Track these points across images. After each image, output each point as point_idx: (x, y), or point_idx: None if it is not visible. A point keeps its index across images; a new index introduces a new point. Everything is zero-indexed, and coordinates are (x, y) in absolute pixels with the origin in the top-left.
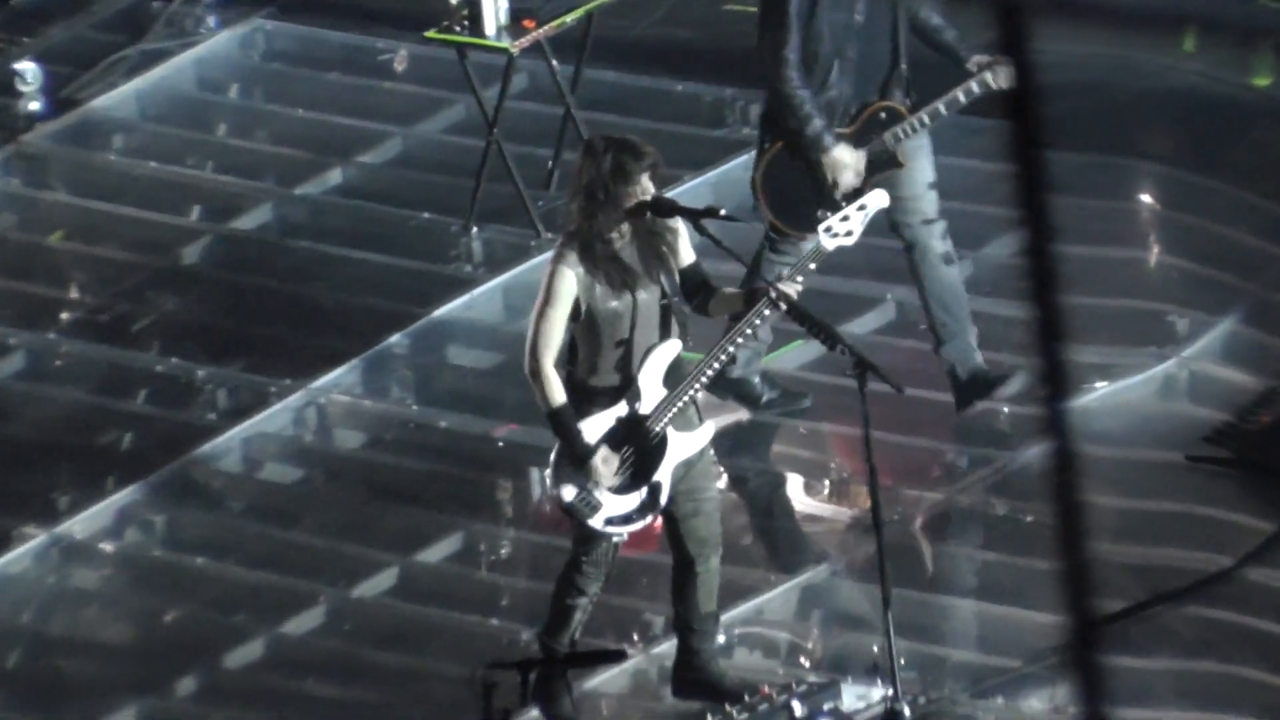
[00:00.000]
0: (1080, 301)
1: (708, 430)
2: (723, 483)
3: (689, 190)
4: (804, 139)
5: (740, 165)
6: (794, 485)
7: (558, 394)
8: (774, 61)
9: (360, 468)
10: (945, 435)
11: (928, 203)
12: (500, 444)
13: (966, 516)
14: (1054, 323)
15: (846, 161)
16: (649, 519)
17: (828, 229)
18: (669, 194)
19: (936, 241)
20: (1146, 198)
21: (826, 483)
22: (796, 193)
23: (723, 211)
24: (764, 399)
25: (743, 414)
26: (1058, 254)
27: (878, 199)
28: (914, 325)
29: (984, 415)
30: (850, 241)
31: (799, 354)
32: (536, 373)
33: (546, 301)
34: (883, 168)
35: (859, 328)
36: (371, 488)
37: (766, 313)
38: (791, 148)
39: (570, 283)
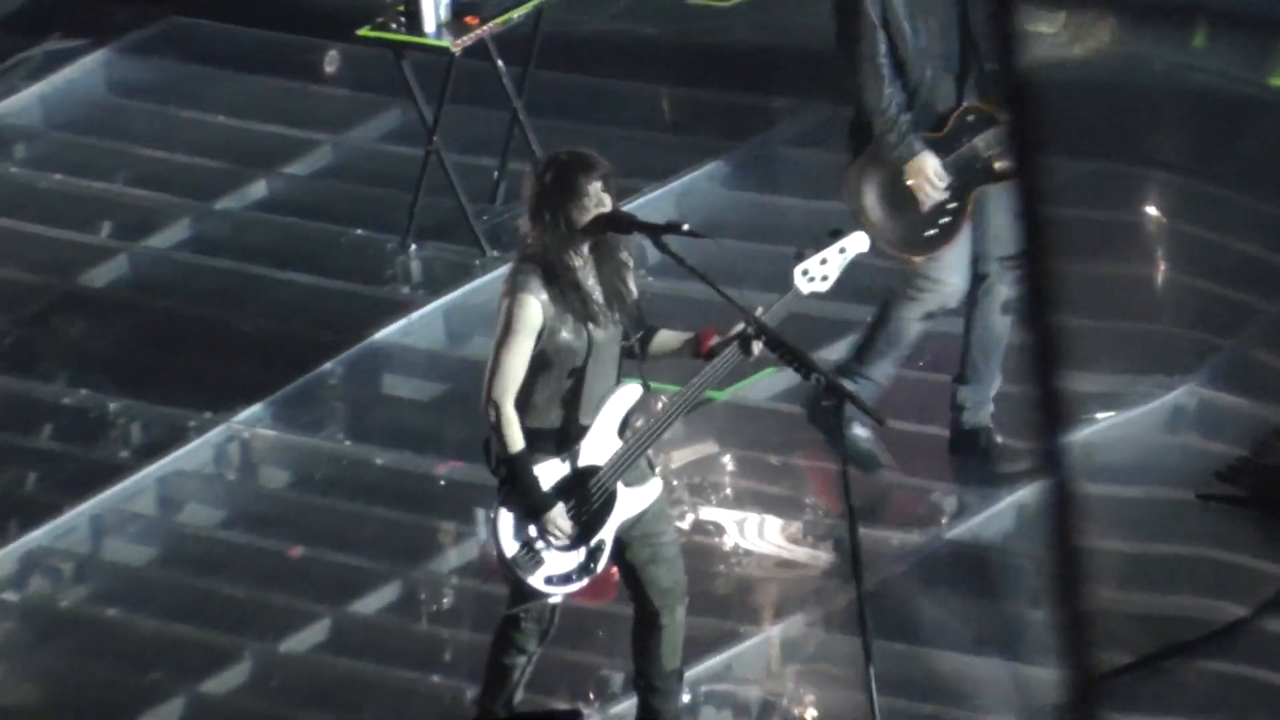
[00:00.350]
0: (1080, 323)
1: (656, 485)
2: (686, 524)
3: (650, 203)
4: (888, 145)
5: (707, 174)
6: (766, 526)
7: (518, 438)
8: (859, 65)
9: (288, 509)
10: (933, 472)
11: (1010, 237)
12: (442, 483)
13: (956, 560)
14: (1051, 346)
15: (924, 168)
16: (586, 581)
17: (805, 271)
18: (626, 208)
19: (1005, 287)
20: (1153, 209)
21: (802, 524)
22: (896, 206)
23: (686, 226)
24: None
25: (710, 447)
26: (1056, 271)
27: (857, 242)
28: None
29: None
30: (825, 287)
31: (769, 383)
32: (497, 414)
33: (510, 331)
34: (978, 178)
35: (838, 353)
36: (301, 531)
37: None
38: (880, 157)
39: (536, 311)
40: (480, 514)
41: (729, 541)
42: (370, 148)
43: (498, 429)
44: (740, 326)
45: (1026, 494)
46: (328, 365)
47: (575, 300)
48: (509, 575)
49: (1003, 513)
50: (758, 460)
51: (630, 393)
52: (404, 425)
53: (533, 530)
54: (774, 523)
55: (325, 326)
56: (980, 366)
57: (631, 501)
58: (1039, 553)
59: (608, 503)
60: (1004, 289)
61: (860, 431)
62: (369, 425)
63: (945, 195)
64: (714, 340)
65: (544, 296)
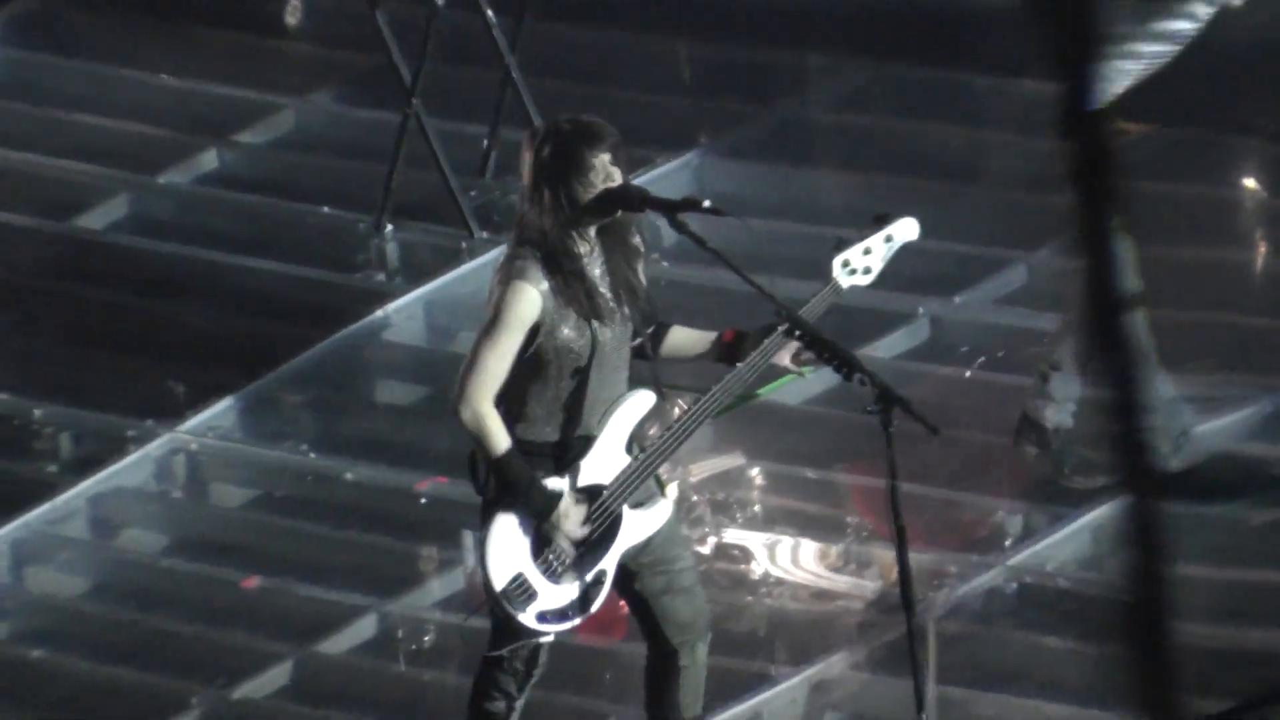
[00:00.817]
0: (1166, 316)
1: (666, 507)
2: (708, 548)
3: (666, 177)
4: None
5: (731, 144)
6: (802, 551)
7: (502, 434)
8: None
9: (245, 532)
10: (994, 487)
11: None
12: (423, 501)
13: (1021, 591)
14: (1128, 345)
15: None
16: (582, 618)
17: (845, 263)
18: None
19: None
20: (1252, 183)
21: (843, 547)
22: None
23: (706, 204)
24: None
25: (736, 458)
26: (1132, 257)
27: (905, 229)
28: (952, 347)
29: (1044, 462)
30: (868, 281)
31: (803, 385)
32: (473, 414)
33: (498, 323)
34: None
35: (883, 351)
36: (258, 559)
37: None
38: None
39: (533, 303)
40: (468, 538)
41: (758, 568)
42: (339, 112)
43: (475, 431)
44: (774, 326)
45: (1102, 514)
46: (290, 365)
47: (579, 292)
48: (497, 610)
49: (1075, 535)
50: (791, 474)
51: (640, 402)
52: (379, 435)
53: (526, 558)
54: (810, 547)
55: (287, 321)
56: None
57: (637, 526)
58: (1116, 582)
59: (611, 528)
60: None
61: None
62: (338, 435)
63: None
64: (738, 339)
65: (544, 287)
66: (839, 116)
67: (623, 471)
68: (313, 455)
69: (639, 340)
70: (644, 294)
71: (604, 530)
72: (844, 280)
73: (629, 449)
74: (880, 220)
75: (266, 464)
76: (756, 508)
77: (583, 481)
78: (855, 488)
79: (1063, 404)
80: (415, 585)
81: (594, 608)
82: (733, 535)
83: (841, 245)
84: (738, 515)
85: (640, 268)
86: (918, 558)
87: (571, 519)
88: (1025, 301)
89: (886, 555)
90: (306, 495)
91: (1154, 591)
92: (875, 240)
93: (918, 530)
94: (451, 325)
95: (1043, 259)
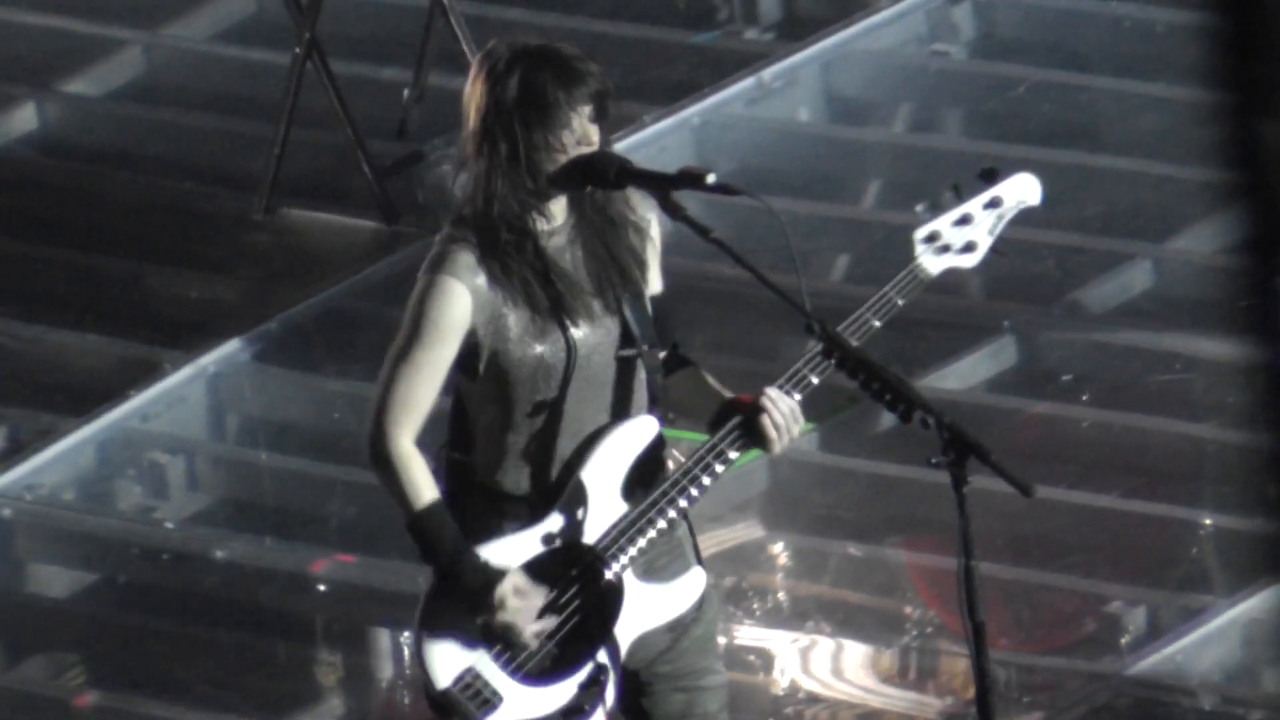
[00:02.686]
0: None
1: (697, 580)
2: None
3: (653, 142)
4: None
5: (744, 94)
6: (845, 655)
7: (424, 486)
8: None
9: (75, 630)
10: (1106, 568)
11: None
12: (321, 588)
13: (1143, 709)
14: None
15: None
16: None
17: (932, 238)
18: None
19: None
20: None
21: (899, 650)
22: None
23: (711, 178)
24: None
25: (753, 528)
26: None
27: (1022, 188)
28: (1049, 374)
29: (1174, 532)
30: (972, 262)
31: (843, 429)
32: (385, 455)
33: (413, 336)
34: None
35: (956, 380)
36: (95, 665)
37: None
38: None
39: (460, 305)
40: (383, 638)
41: (783, 679)
42: (203, 51)
43: (386, 479)
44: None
45: (1257, 606)
46: (140, 401)
47: (538, 287)
48: (452, 714)
49: (1221, 635)
50: (827, 550)
51: (640, 429)
52: (261, 495)
53: (481, 647)
54: (855, 650)
55: (136, 340)
56: None
57: (653, 604)
58: (1277, 697)
59: (609, 605)
60: None
61: None
62: (205, 496)
63: None
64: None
65: (479, 282)
66: (894, 51)
67: (617, 524)
68: (170, 525)
69: (633, 350)
70: (640, 276)
71: (599, 609)
72: (931, 262)
73: (627, 493)
74: (987, 176)
75: (106, 537)
76: (780, 596)
77: (563, 537)
78: (915, 569)
79: None
80: (308, 704)
81: (591, 715)
82: (748, 634)
83: (933, 213)
84: (755, 607)
85: (649, 254)
86: (1002, 663)
87: (516, 609)
88: (1150, 312)
89: (959, 661)
90: (158, 580)
91: None
92: (975, 205)
93: (1002, 626)
94: (360, 343)
95: (1176, 253)
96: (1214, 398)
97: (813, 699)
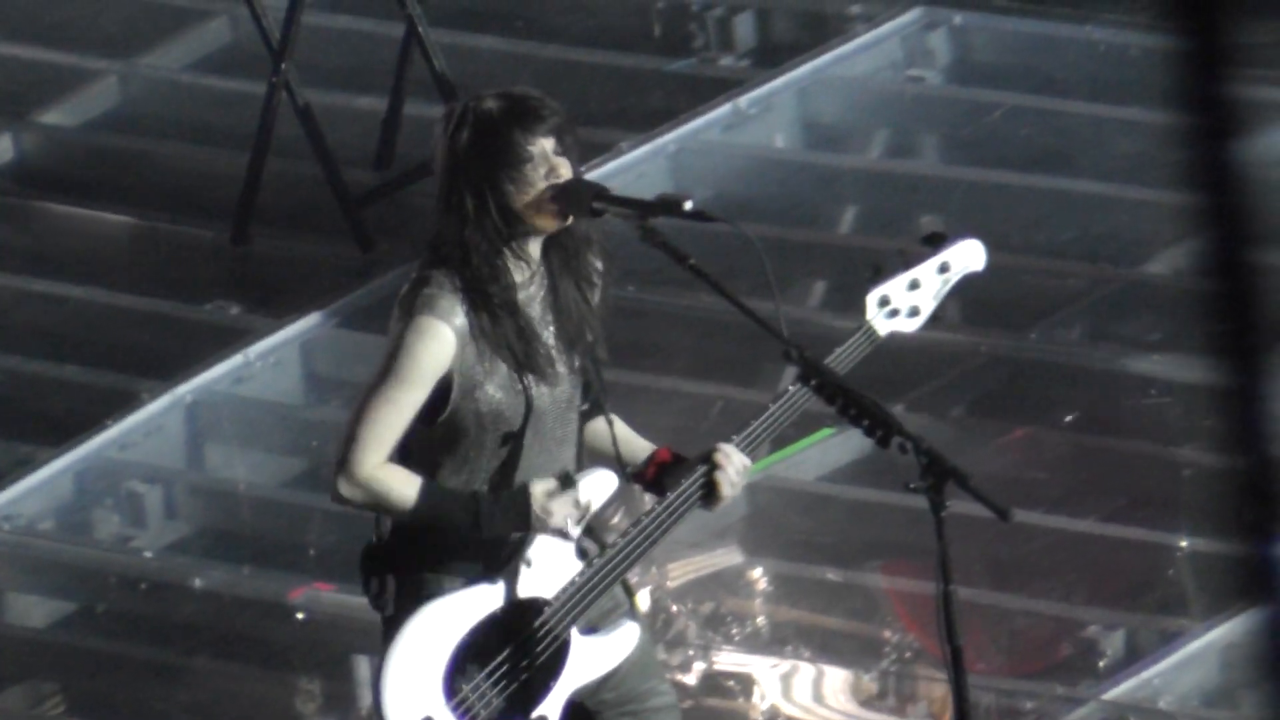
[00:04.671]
0: None
1: (632, 632)
2: (694, 677)
3: (630, 169)
4: None
5: (723, 120)
6: (825, 681)
7: (406, 482)
8: None
9: (53, 660)
10: (1084, 592)
11: None
12: (299, 617)
13: None
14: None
15: None
16: None
17: (883, 301)
18: (596, 176)
19: None
20: None
21: (879, 675)
22: None
23: (689, 205)
24: None
25: (731, 554)
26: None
27: (967, 255)
28: (1028, 398)
29: (1152, 556)
30: (915, 325)
31: (824, 453)
32: (358, 480)
33: (393, 374)
34: None
35: (932, 405)
36: (74, 694)
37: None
38: None
39: (444, 346)
40: (362, 666)
41: (763, 704)
42: (179, 81)
43: (368, 499)
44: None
45: (1234, 630)
46: (118, 429)
47: (511, 334)
48: None
49: (1198, 659)
50: (806, 575)
51: (596, 484)
52: (238, 524)
53: (437, 697)
54: (835, 675)
55: (113, 369)
56: None
57: (593, 657)
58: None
59: (556, 657)
60: None
61: None
62: (182, 525)
63: None
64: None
65: (460, 325)
66: (875, 76)
67: (573, 581)
68: (148, 554)
69: (594, 399)
70: (601, 338)
71: (547, 661)
72: (881, 325)
73: (581, 550)
74: (932, 242)
75: (84, 566)
76: (760, 621)
77: (519, 592)
78: (895, 594)
79: None
80: None
81: None
82: (727, 660)
83: (879, 276)
84: (734, 632)
85: (596, 297)
86: (980, 688)
87: (558, 508)
88: (1127, 337)
89: (938, 686)
90: (139, 609)
91: None
92: (925, 270)
93: (980, 650)
94: (335, 375)
95: (1151, 278)
96: (1190, 421)
97: None
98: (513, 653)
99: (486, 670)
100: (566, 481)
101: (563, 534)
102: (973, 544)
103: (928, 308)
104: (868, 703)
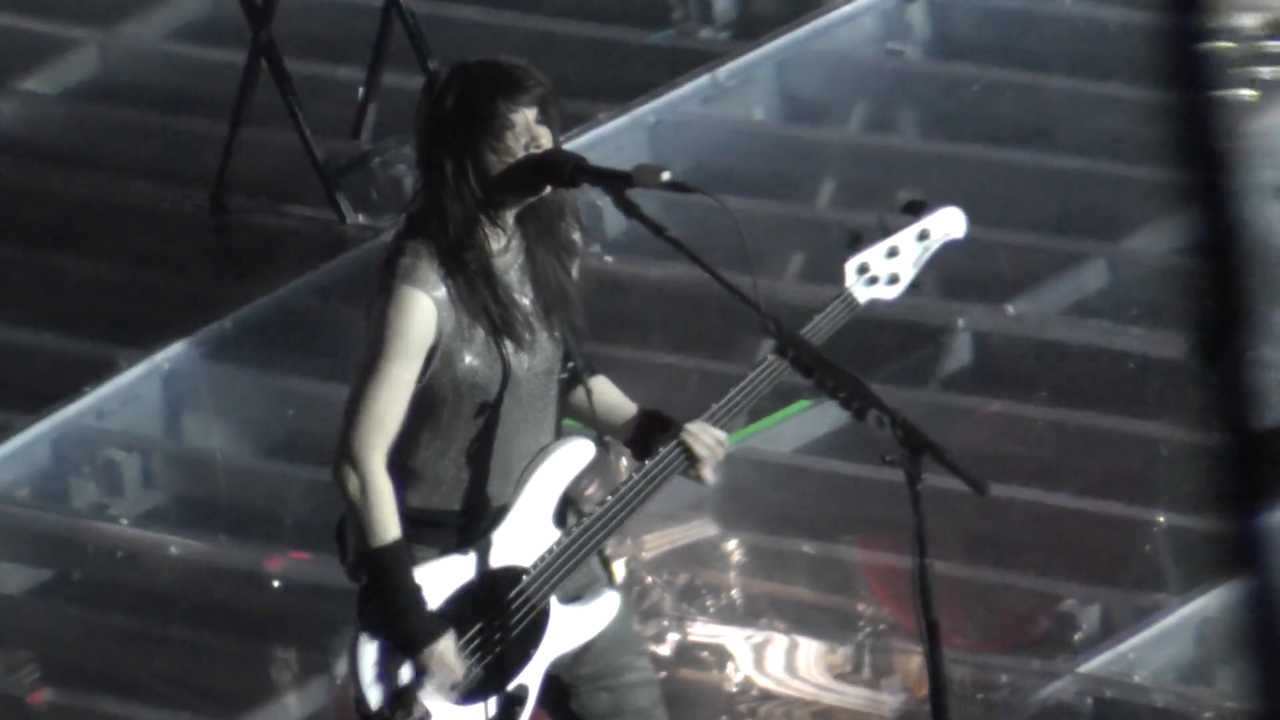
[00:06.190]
0: None
1: (612, 601)
2: (669, 648)
3: (608, 140)
4: None
5: (700, 91)
6: (799, 653)
7: (390, 520)
8: None
9: (30, 628)
10: (1061, 566)
11: None
12: (276, 585)
13: (1099, 710)
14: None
15: None
16: None
17: (862, 269)
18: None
19: None
20: None
21: (854, 649)
22: None
23: (667, 175)
24: None
25: (706, 527)
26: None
27: (947, 222)
28: (1003, 373)
29: (1128, 531)
30: (895, 293)
31: (801, 426)
32: (358, 478)
33: (384, 350)
34: None
35: (910, 378)
36: (49, 663)
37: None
38: None
39: (427, 316)
40: (338, 633)
41: (737, 676)
42: (159, 51)
43: (358, 505)
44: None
45: (1210, 605)
46: (94, 398)
47: (488, 302)
48: None
49: (1173, 634)
50: (781, 548)
51: (574, 454)
52: (214, 494)
53: (409, 670)
54: (809, 647)
55: (89, 338)
56: None
57: (571, 627)
58: (1231, 696)
59: (535, 626)
60: None
61: None
62: (159, 494)
63: None
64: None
65: (441, 295)
66: (859, 49)
67: (550, 550)
68: (125, 522)
69: (573, 367)
70: (579, 307)
71: (525, 629)
72: (861, 292)
73: (559, 519)
74: (911, 210)
75: (61, 534)
76: (734, 594)
77: (495, 561)
78: (870, 567)
79: None
80: (263, 700)
81: None
82: (702, 631)
83: (857, 244)
84: (709, 604)
85: (575, 269)
86: (956, 661)
87: (445, 664)
88: (1106, 312)
89: (913, 659)
90: (114, 578)
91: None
92: (904, 238)
93: (956, 624)
94: (312, 349)
95: (1130, 253)
96: (1167, 397)
97: (767, 696)
98: (489, 622)
99: (463, 640)
100: (506, 581)
101: (437, 681)
102: (949, 518)
103: (907, 275)
104: (843, 675)
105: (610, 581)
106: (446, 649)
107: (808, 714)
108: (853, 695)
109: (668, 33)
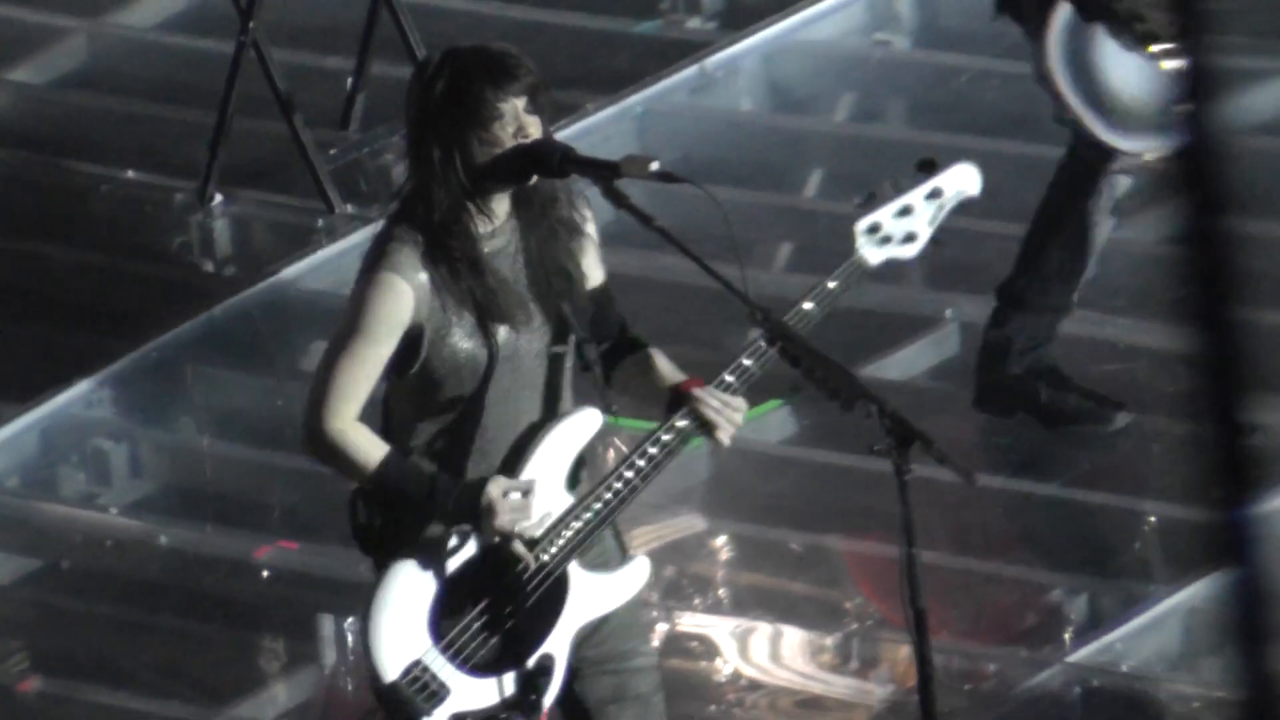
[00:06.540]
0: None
1: (641, 569)
2: (658, 640)
3: (596, 131)
4: None
5: (684, 83)
6: (785, 644)
7: (373, 447)
8: None
9: (18, 617)
10: (1048, 556)
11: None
12: (264, 575)
13: (1087, 699)
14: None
15: None
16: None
17: (873, 228)
18: (563, 139)
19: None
20: None
21: (840, 640)
22: (1116, 75)
23: (655, 165)
24: (1068, 408)
25: (693, 520)
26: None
27: (962, 179)
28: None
29: (1116, 521)
30: (911, 253)
31: (783, 418)
32: (324, 438)
33: (355, 329)
34: None
35: (898, 369)
36: (39, 653)
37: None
38: (1090, 7)
39: (402, 302)
40: (326, 624)
41: (725, 667)
42: (145, 40)
43: (333, 458)
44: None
45: (1197, 594)
46: (82, 387)
47: (474, 286)
48: (395, 714)
49: (1160, 624)
50: (768, 540)
51: (581, 423)
52: (203, 483)
53: (425, 638)
54: (796, 638)
55: (77, 326)
56: (1055, 288)
57: (597, 594)
58: (1218, 686)
59: (554, 596)
60: (1124, 179)
61: None
62: (148, 483)
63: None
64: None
65: (421, 280)
66: (850, 38)
67: (563, 519)
68: (114, 511)
69: (564, 346)
70: (587, 286)
71: (544, 600)
72: (872, 253)
73: (571, 488)
74: (925, 168)
75: (49, 523)
76: (722, 585)
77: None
78: (856, 559)
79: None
80: (251, 690)
81: (538, 709)
82: (689, 623)
83: (869, 203)
84: (695, 597)
85: (586, 250)
86: (943, 653)
87: (509, 508)
88: (1093, 302)
89: (900, 650)
90: (104, 567)
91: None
92: (916, 196)
93: (943, 616)
94: (303, 333)
95: (1117, 243)
96: (1155, 387)
97: (754, 686)
98: (502, 592)
99: (476, 610)
100: (527, 487)
101: (506, 535)
102: (936, 508)
103: (924, 233)
104: (828, 666)
105: (625, 550)
106: (499, 485)
107: (794, 704)
108: (840, 685)
109: (655, 23)
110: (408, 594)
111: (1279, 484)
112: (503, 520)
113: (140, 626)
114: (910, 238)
